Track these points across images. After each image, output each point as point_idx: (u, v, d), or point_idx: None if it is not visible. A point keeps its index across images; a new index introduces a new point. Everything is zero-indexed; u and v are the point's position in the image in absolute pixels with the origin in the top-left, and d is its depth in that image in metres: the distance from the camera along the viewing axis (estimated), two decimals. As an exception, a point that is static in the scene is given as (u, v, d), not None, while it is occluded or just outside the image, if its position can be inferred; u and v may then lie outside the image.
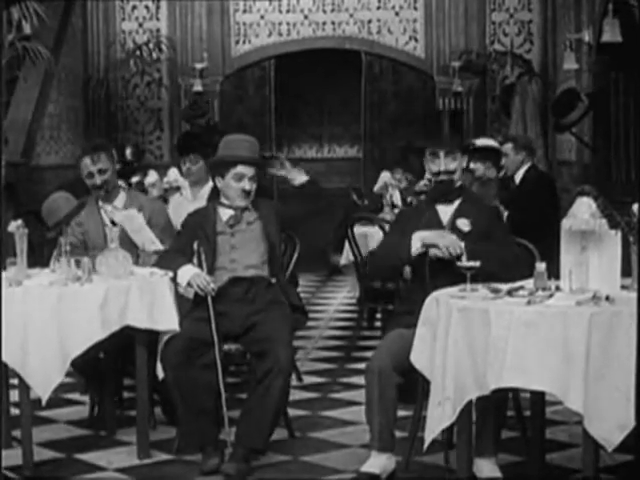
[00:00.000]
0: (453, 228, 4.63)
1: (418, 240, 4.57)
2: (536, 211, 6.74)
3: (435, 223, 4.69)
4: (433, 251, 4.53)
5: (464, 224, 4.64)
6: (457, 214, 4.70)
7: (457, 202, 4.74)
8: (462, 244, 4.49)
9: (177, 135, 10.89)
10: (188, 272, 4.87)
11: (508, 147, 7.20)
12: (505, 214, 6.55)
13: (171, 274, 4.88)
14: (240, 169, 4.96)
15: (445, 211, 4.73)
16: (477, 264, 4.15)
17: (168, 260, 5.00)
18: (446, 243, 4.51)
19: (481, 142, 7.04)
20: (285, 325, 4.81)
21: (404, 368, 4.28)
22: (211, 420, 4.71)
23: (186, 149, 6.53)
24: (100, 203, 5.52)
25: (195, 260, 4.95)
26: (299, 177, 5.14)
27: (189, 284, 4.86)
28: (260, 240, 5.00)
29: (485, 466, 4.31)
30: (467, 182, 5.92)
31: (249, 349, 4.82)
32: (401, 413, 4.45)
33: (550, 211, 6.87)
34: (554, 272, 4.13)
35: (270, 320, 4.80)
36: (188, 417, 4.72)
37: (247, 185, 4.98)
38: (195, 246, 4.96)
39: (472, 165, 6.62)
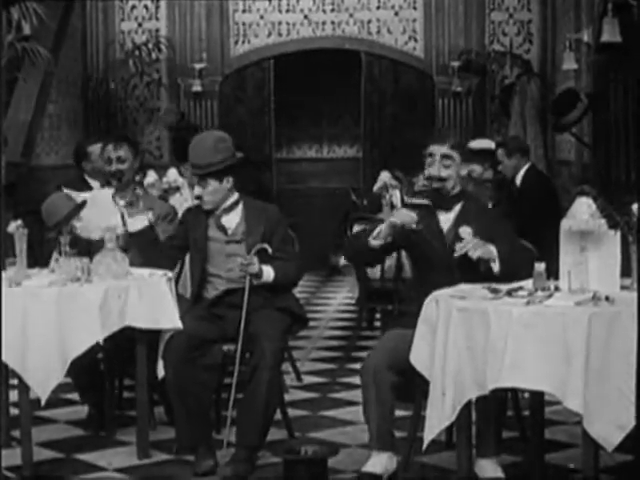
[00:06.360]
0: (455, 236, 4.49)
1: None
2: (536, 211, 6.74)
3: (435, 230, 4.59)
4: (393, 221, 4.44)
5: (466, 232, 4.47)
6: (458, 221, 4.57)
7: (457, 208, 4.63)
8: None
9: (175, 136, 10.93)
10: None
11: (500, 153, 7.21)
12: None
13: (170, 274, 4.91)
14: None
15: (445, 218, 4.62)
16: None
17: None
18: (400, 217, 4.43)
19: (478, 144, 7.04)
20: (274, 322, 4.79)
21: (400, 367, 4.26)
22: (205, 420, 4.71)
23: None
24: (115, 196, 5.54)
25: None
26: None
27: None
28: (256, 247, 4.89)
29: (487, 466, 4.31)
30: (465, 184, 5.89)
31: (246, 349, 4.81)
32: (401, 413, 4.44)
33: (549, 211, 6.87)
34: (555, 272, 4.13)
35: (260, 319, 4.78)
36: (183, 417, 4.71)
37: (196, 190, 5.00)
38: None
39: (470, 167, 6.62)
